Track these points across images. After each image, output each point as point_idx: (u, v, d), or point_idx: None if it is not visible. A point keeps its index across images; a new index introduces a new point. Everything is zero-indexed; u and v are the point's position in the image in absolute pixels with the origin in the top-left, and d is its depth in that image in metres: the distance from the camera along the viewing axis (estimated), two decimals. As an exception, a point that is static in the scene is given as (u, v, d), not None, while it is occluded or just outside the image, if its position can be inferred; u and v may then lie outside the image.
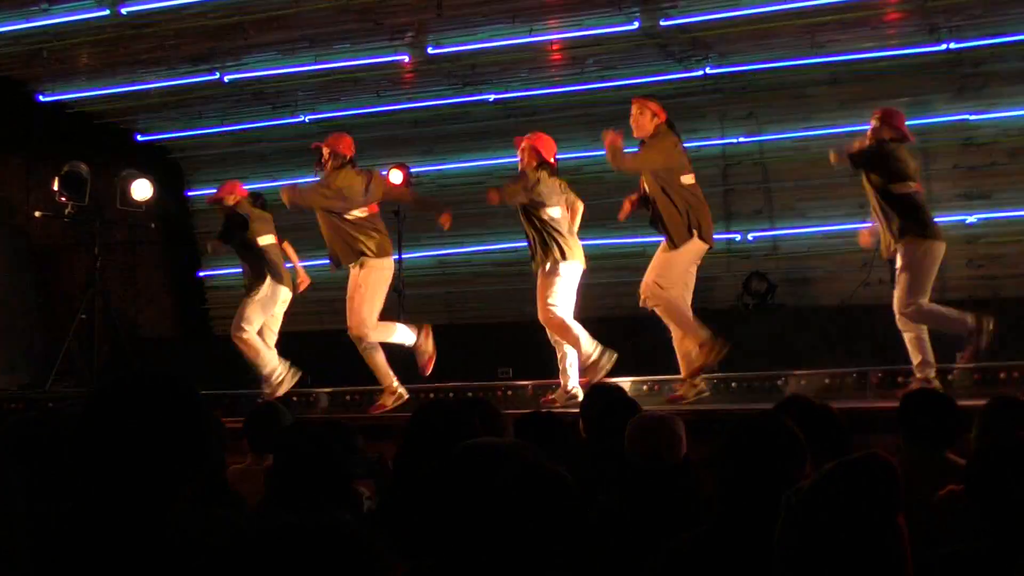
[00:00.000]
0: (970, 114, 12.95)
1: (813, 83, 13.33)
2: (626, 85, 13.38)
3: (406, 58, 13.43)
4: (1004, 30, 12.07)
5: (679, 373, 9.97)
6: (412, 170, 14.11)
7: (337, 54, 13.46)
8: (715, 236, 13.75)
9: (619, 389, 7.10)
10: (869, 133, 9.55)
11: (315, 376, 11.73)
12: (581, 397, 9.65)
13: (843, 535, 2.78)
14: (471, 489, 2.39)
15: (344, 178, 10.34)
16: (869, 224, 9.93)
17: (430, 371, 10.42)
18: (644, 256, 13.92)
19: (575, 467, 5.21)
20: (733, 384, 10.56)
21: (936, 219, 12.64)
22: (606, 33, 12.61)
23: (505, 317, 13.03)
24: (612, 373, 9.83)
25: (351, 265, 10.35)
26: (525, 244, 10.27)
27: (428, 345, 10.41)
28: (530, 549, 2.36)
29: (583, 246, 10.18)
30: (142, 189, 13.55)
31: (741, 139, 14.01)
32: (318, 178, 10.56)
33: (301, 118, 14.95)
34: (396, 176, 13.80)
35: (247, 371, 11.03)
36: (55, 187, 13.18)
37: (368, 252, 10.30)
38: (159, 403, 2.72)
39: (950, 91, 13.01)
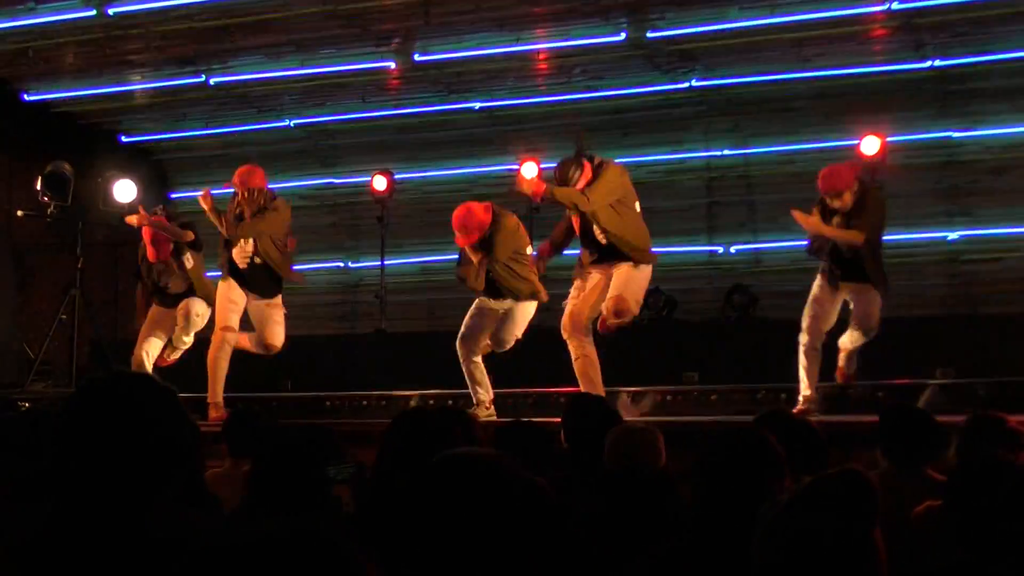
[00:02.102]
0: (954, 131, 13.00)
1: (798, 97, 13.37)
2: (612, 95, 13.43)
3: (392, 64, 13.45)
4: (989, 48, 12.14)
5: (661, 384, 10.00)
6: (396, 176, 14.12)
7: (323, 59, 13.48)
8: (698, 248, 13.92)
9: (600, 399, 7.10)
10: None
11: (295, 381, 11.73)
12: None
13: (820, 550, 2.78)
14: (450, 498, 2.39)
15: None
16: None
17: None
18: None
19: (555, 477, 5.22)
20: (713, 396, 10.57)
21: (918, 236, 12.80)
22: (593, 43, 12.65)
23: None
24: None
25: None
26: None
27: None
28: (509, 559, 2.35)
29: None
30: (125, 190, 13.51)
31: (725, 152, 14.04)
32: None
33: (286, 122, 14.94)
34: (380, 182, 13.81)
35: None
36: (38, 187, 13.15)
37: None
38: (138, 405, 2.72)
39: (934, 108, 13.06)
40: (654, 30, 12.37)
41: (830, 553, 2.77)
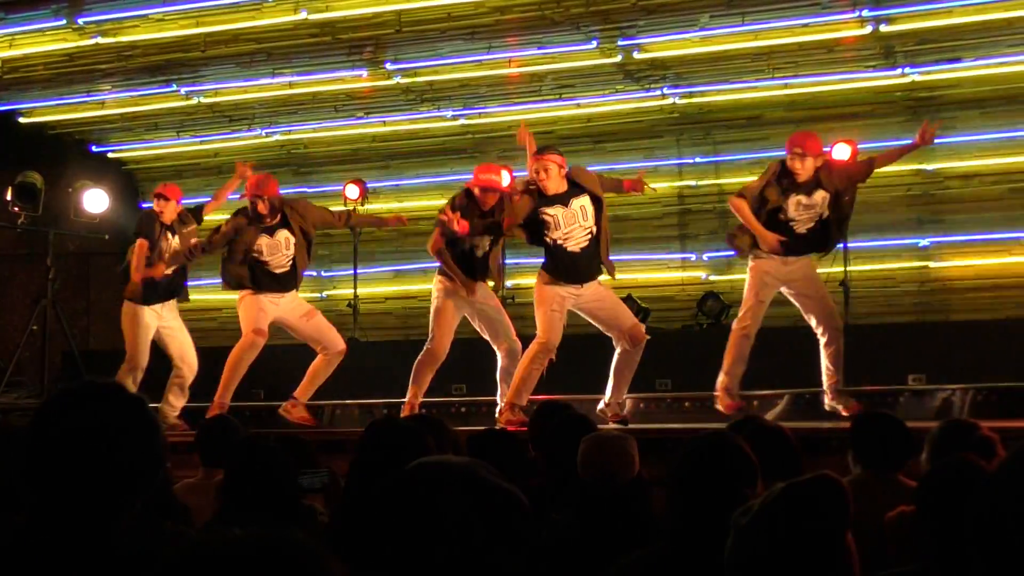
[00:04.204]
0: (924, 139, 13.05)
1: (770, 106, 13.40)
2: (584, 104, 13.45)
3: (364, 74, 13.44)
4: (958, 57, 12.19)
5: (634, 391, 10.02)
6: (368, 186, 14.09)
7: (295, 69, 13.45)
8: (671, 255, 13.94)
9: (568, 407, 7.10)
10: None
11: (268, 391, 11.69)
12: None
13: (792, 555, 2.79)
14: (423, 507, 2.39)
15: None
16: None
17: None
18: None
19: (528, 485, 5.22)
20: (686, 403, 10.59)
21: (889, 242, 12.79)
22: (564, 52, 12.67)
23: (460, 334, 13.01)
24: (567, 391, 9.82)
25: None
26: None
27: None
28: (482, 568, 2.35)
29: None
30: (96, 201, 13.47)
31: (697, 160, 14.06)
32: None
33: (258, 132, 14.91)
34: (352, 191, 13.78)
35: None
36: (8, 197, 13.09)
37: None
38: (107, 415, 2.71)
39: (905, 116, 13.10)
40: (625, 39, 12.39)
41: (803, 558, 2.78)
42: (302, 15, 12.44)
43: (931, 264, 13.05)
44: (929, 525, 3.57)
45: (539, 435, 6.46)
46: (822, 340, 9.46)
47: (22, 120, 14.84)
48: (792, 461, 4.78)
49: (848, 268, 11.94)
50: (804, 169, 9.32)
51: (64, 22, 12.88)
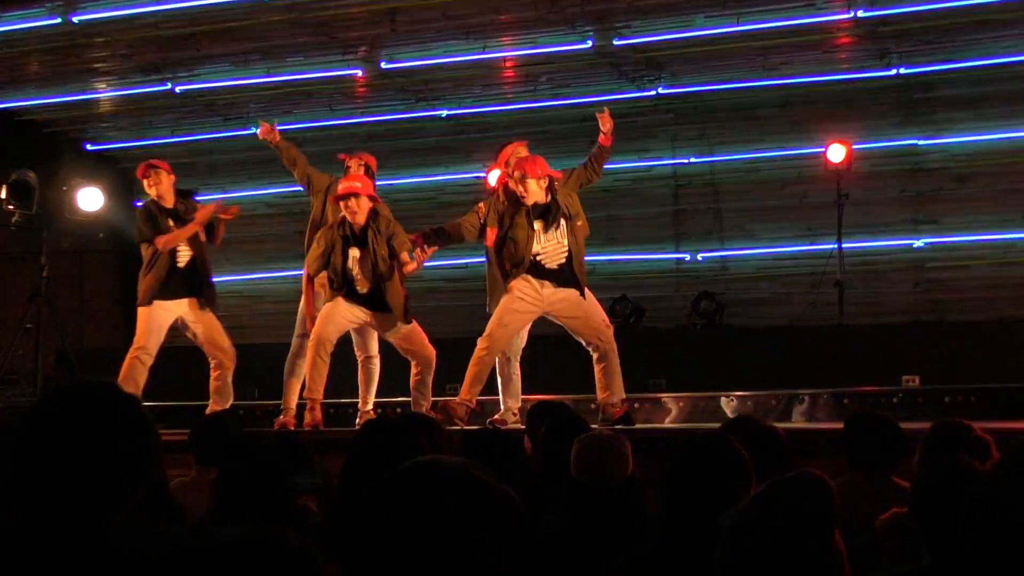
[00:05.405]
0: (919, 139, 13.06)
1: (764, 105, 13.41)
2: (578, 103, 13.44)
3: (359, 72, 13.44)
4: (953, 56, 12.20)
5: (628, 391, 10.01)
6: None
7: (290, 67, 13.45)
8: (665, 255, 13.96)
9: (565, 407, 7.09)
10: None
11: (262, 389, 11.68)
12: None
13: (780, 554, 2.79)
14: (417, 507, 2.38)
15: None
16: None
17: None
18: (590, 274, 13.99)
19: (522, 485, 5.21)
20: (680, 404, 10.58)
21: (883, 243, 12.75)
22: (559, 51, 12.67)
23: (454, 333, 13.01)
24: (558, 390, 9.81)
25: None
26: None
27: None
28: (475, 568, 2.35)
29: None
30: (91, 198, 13.44)
31: (692, 159, 14.05)
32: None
33: (252, 130, 14.88)
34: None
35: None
36: (2, 195, 13.06)
37: None
38: (101, 414, 2.70)
39: (899, 116, 13.12)
40: (620, 38, 12.39)
41: (790, 556, 2.78)
42: (296, 13, 12.43)
43: (925, 265, 13.06)
44: (922, 526, 3.57)
45: (533, 434, 6.45)
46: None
47: (16, 118, 14.82)
48: (785, 462, 4.78)
49: (842, 269, 11.94)
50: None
51: (59, 20, 12.86)
